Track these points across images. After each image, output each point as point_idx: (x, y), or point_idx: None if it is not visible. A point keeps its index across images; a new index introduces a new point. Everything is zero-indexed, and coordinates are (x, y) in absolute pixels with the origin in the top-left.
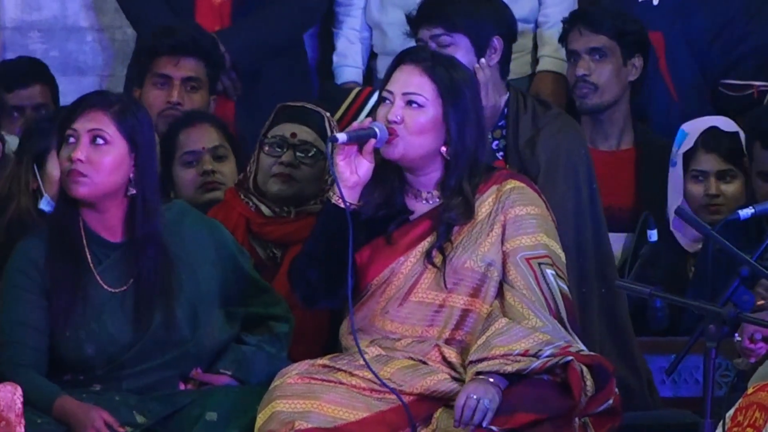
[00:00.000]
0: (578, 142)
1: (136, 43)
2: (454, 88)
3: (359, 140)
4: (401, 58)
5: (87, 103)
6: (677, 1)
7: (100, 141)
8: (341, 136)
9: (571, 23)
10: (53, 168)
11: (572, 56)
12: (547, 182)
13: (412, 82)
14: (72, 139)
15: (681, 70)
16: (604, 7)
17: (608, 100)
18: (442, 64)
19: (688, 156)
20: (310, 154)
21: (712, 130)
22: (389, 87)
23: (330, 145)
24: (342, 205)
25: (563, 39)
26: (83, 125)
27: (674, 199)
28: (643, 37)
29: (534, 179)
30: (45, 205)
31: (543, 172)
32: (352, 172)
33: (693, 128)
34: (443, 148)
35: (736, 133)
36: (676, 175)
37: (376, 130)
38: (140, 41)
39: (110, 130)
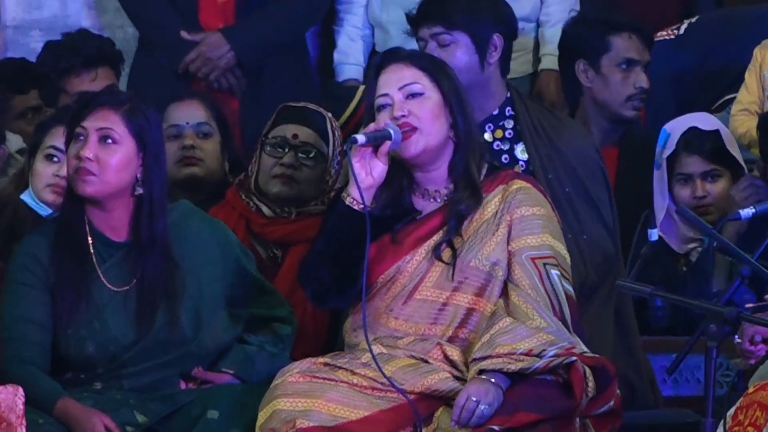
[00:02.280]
0: (590, 146)
1: (37, 65)
2: (443, 71)
3: (376, 141)
4: (381, 64)
5: (97, 101)
6: (663, 42)
7: (109, 141)
8: (360, 138)
9: (628, 31)
10: (40, 162)
11: (630, 64)
12: (565, 189)
13: (404, 75)
14: (81, 137)
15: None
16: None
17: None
18: (421, 56)
19: (672, 159)
20: (311, 156)
21: (693, 131)
22: (382, 91)
23: (349, 146)
24: (356, 207)
25: (603, 39)
26: (93, 123)
27: (660, 202)
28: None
29: (539, 180)
30: (26, 196)
31: (559, 179)
32: (367, 174)
33: (674, 128)
34: (450, 132)
35: (717, 131)
36: (660, 177)
37: (391, 131)
38: (39, 63)
39: (119, 129)
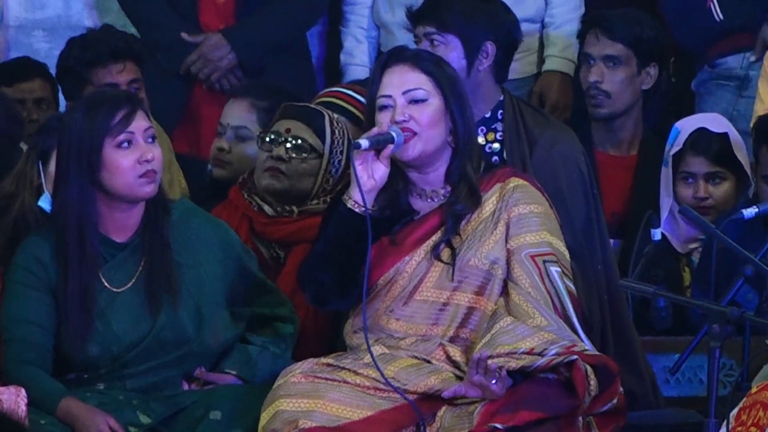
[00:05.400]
0: (575, 149)
1: (60, 59)
2: (446, 75)
3: (379, 145)
4: (386, 62)
5: (133, 104)
6: None
7: (150, 140)
8: (363, 143)
9: (588, 26)
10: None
11: (587, 59)
12: (550, 194)
13: (408, 79)
14: (131, 143)
15: None
16: (622, 13)
17: (620, 109)
18: (426, 59)
19: (678, 157)
20: (302, 149)
21: (701, 132)
22: (385, 92)
23: (352, 150)
24: (357, 210)
25: (580, 39)
26: (138, 126)
27: (665, 199)
28: (660, 45)
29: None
30: (44, 202)
31: (543, 184)
32: (369, 177)
33: (684, 127)
34: (449, 137)
35: (725, 133)
36: (667, 175)
37: (394, 135)
38: (64, 56)
39: (153, 128)
